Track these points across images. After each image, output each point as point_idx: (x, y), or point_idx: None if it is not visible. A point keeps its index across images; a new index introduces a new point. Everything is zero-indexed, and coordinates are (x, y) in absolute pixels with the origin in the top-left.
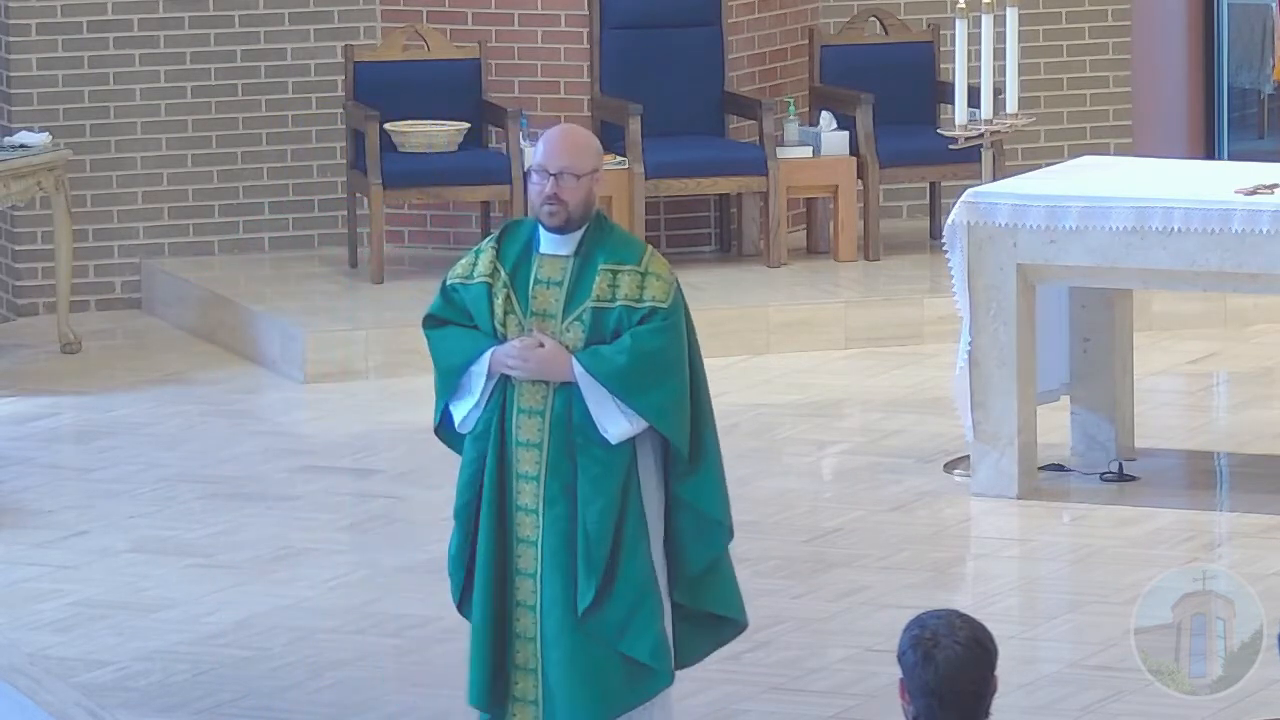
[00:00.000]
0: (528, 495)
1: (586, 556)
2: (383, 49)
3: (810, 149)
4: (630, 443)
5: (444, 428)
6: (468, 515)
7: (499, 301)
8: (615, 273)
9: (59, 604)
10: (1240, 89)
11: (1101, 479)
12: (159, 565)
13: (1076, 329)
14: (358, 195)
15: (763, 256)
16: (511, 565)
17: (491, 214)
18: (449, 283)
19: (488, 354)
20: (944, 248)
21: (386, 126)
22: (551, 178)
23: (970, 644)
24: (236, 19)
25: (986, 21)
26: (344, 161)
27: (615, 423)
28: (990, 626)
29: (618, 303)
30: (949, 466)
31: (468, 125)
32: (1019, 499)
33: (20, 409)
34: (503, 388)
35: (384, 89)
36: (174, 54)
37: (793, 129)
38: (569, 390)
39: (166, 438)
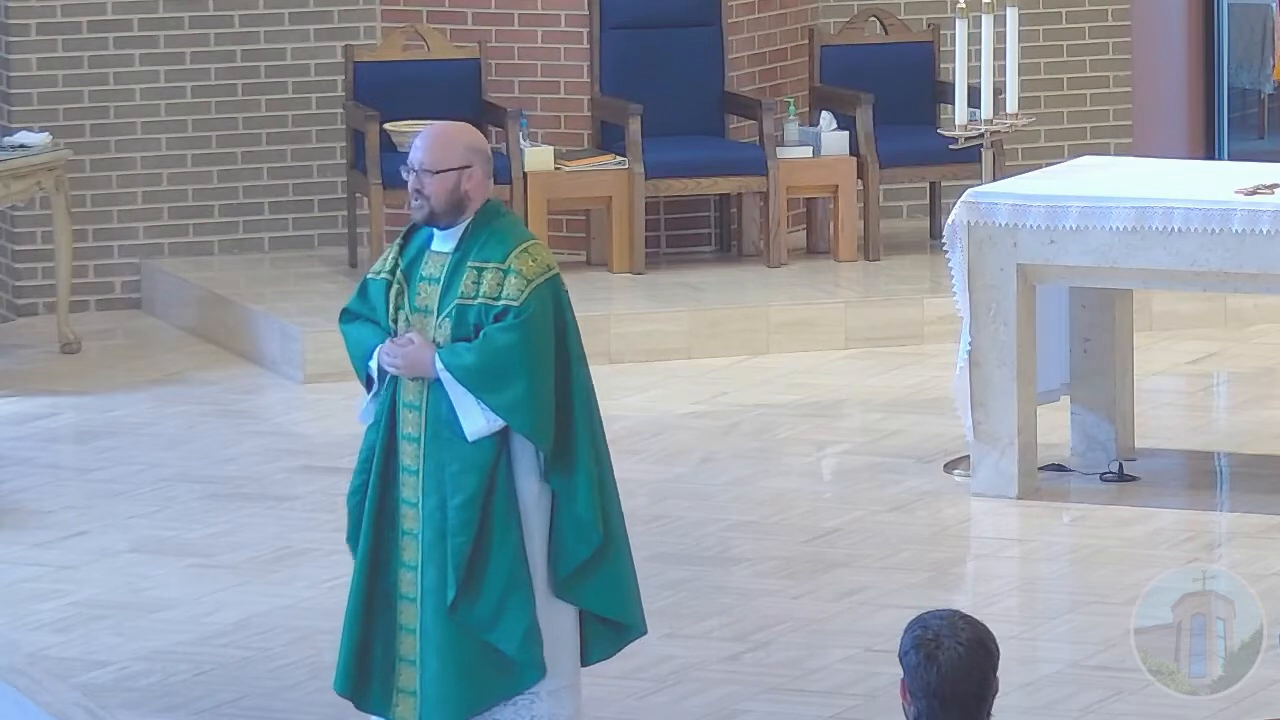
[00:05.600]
0: (409, 488)
1: (450, 550)
2: (383, 49)
3: (810, 149)
4: (497, 437)
5: None
6: (355, 503)
7: (392, 297)
8: (480, 270)
9: (59, 604)
10: (1240, 89)
11: (1101, 479)
12: (159, 565)
13: (1076, 329)
14: (358, 195)
15: (763, 256)
16: (396, 557)
17: None
18: (366, 277)
19: (377, 350)
20: (944, 248)
21: (386, 126)
22: (413, 173)
23: (973, 645)
24: (236, 19)
25: (986, 21)
26: (344, 161)
27: (473, 420)
28: (990, 626)
29: (478, 300)
30: (949, 466)
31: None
32: (1019, 499)
33: (20, 409)
34: (393, 382)
35: (384, 89)
36: (174, 54)
37: (793, 129)
38: (442, 387)
39: (166, 438)
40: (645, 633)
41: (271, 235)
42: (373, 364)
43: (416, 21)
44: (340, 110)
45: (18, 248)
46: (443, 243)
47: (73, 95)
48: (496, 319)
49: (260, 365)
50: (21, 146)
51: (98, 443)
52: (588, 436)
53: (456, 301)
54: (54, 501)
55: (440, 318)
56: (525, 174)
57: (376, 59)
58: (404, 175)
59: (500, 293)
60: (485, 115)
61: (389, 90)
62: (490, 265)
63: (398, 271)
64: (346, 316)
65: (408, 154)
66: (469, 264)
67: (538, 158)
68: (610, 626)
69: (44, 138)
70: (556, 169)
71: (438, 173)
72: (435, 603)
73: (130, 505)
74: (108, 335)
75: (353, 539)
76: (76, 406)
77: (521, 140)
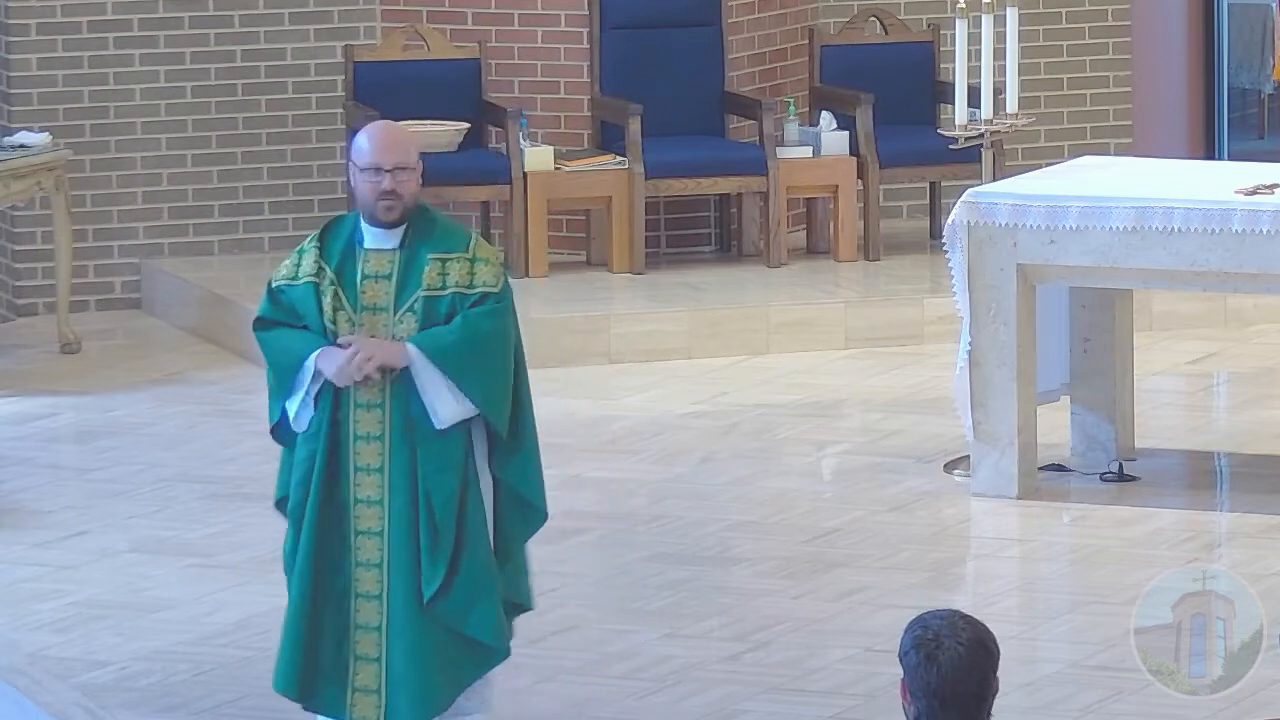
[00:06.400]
0: (369, 487)
1: (432, 547)
2: (383, 49)
3: (810, 149)
4: (467, 433)
5: (280, 427)
6: (301, 514)
7: (327, 300)
8: (444, 261)
9: (59, 604)
10: (1240, 89)
11: (1101, 479)
12: (159, 565)
13: (1076, 329)
14: None
15: (763, 256)
16: (350, 558)
17: (492, 214)
18: (274, 284)
19: (314, 354)
20: (944, 248)
21: None
22: (387, 174)
23: (973, 645)
24: (236, 19)
25: (986, 21)
26: (344, 161)
27: (445, 404)
28: (990, 626)
29: (449, 290)
30: (949, 466)
31: (468, 125)
32: (1019, 499)
33: (20, 409)
34: (331, 388)
35: (384, 89)
36: (174, 54)
37: (793, 129)
38: (407, 383)
39: (166, 438)
40: (533, 608)
41: (271, 235)
42: (308, 364)
43: (416, 21)
44: (340, 110)
45: (18, 248)
46: (382, 240)
47: (73, 95)
48: (474, 305)
49: (260, 365)
50: (21, 146)
51: (98, 443)
52: (534, 424)
53: (422, 293)
54: (54, 501)
55: (400, 313)
56: (525, 174)
57: (376, 59)
58: (369, 178)
59: (472, 281)
60: (485, 115)
61: (389, 90)
62: (455, 256)
63: (327, 273)
64: (261, 324)
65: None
66: (429, 256)
67: (538, 158)
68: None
69: (44, 138)
70: (556, 169)
71: (411, 169)
72: (405, 600)
73: (130, 505)
74: (108, 335)
75: (291, 553)
76: (76, 406)
77: (521, 140)
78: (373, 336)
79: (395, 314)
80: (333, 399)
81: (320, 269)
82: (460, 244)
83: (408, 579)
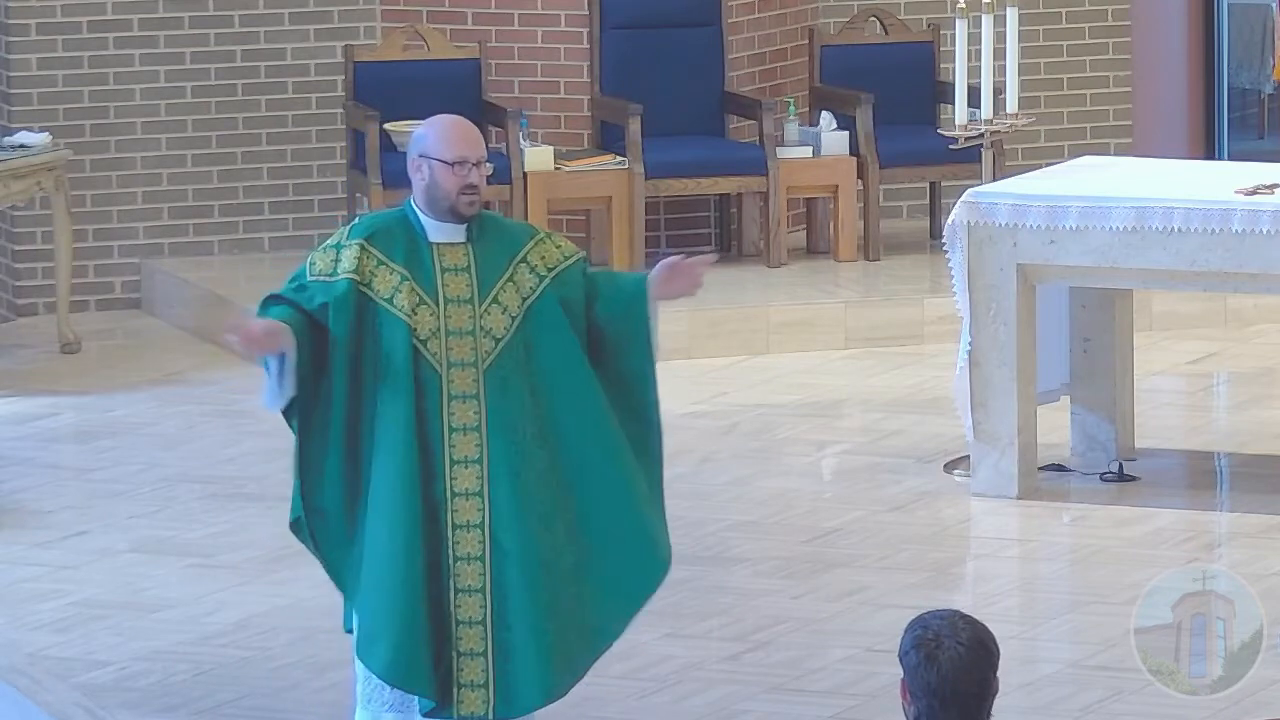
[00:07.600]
0: (467, 479)
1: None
2: (383, 49)
3: (810, 149)
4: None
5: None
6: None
7: (402, 296)
8: (526, 256)
9: (59, 604)
10: (1240, 89)
11: (1101, 479)
12: (159, 565)
13: (1076, 329)
14: (358, 195)
15: (763, 256)
16: (447, 552)
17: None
18: (309, 279)
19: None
20: (944, 248)
21: (386, 126)
22: (474, 167)
23: (973, 645)
24: (236, 19)
25: (986, 21)
26: (344, 161)
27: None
28: (990, 626)
29: (558, 267)
30: (949, 466)
31: None
32: (1019, 499)
33: (20, 409)
34: (409, 371)
35: (384, 89)
36: (174, 54)
37: (793, 129)
38: (500, 375)
39: (166, 438)
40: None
41: (271, 235)
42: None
43: (416, 21)
44: (340, 110)
45: (18, 248)
46: (451, 234)
47: (73, 95)
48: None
49: (260, 365)
50: (21, 146)
51: (98, 443)
52: None
53: (548, 282)
54: (54, 501)
55: (485, 304)
56: (525, 174)
57: (376, 59)
58: (457, 172)
59: (562, 254)
60: (485, 115)
61: (389, 90)
62: (530, 246)
63: (395, 270)
64: (269, 301)
65: (446, 150)
66: (515, 260)
67: (538, 158)
68: None
69: (44, 138)
70: (556, 169)
71: (485, 163)
72: (516, 586)
73: (130, 505)
74: (108, 335)
75: (396, 536)
76: (76, 406)
77: (521, 140)
78: (459, 329)
79: (480, 305)
80: (411, 388)
81: (379, 263)
82: (528, 232)
83: (515, 568)
